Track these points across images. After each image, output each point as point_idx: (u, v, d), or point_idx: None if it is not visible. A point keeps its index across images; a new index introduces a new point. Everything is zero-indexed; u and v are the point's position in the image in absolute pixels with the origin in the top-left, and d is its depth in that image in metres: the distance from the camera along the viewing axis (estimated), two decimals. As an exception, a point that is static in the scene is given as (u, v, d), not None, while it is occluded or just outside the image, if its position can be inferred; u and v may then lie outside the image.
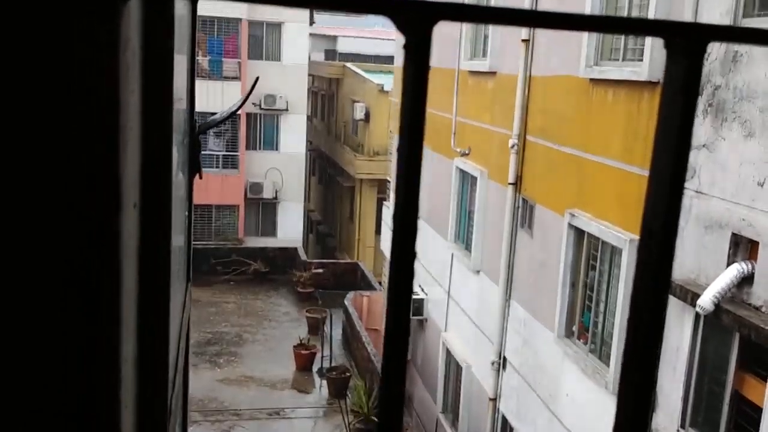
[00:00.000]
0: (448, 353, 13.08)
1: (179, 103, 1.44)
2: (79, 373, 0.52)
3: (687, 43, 0.51)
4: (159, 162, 0.72)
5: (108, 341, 0.52)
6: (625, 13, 7.96)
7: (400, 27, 0.44)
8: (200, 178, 1.69)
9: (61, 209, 0.47)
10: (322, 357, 17.50)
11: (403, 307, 0.49)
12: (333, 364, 17.20)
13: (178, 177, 1.36)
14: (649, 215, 0.55)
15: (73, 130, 0.47)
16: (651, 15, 7.22)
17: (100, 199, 0.48)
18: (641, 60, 7.46)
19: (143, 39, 0.65)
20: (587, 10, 8.38)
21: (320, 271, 22.98)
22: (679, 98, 0.52)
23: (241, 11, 25.20)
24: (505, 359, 10.79)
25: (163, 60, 0.72)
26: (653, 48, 7.13)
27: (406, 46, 0.44)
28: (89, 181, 0.47)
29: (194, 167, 1.60)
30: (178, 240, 1.46)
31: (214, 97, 24.44)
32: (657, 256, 0.51)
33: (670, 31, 0.51)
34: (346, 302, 19.36)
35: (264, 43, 26.26)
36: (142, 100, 0.66)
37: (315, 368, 17.57)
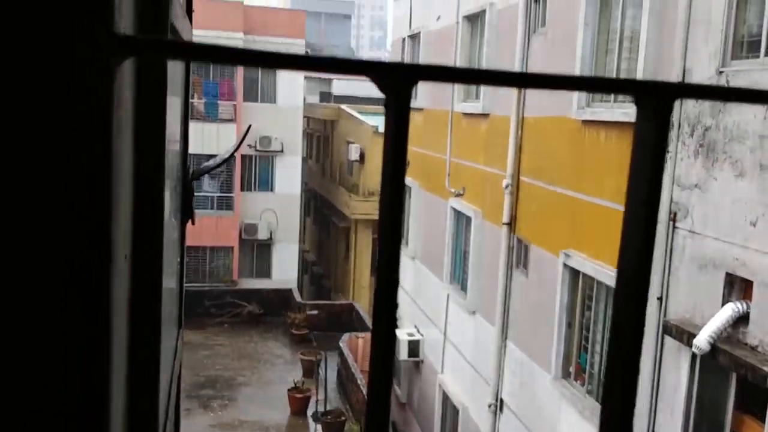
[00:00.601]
0: (445, 395, 12.94)
1: (172, 149, 1.46)
2: (68, 425, 0.53)
3: (656, 100, 0.53)
4: (150, 216, 0.74)
5: (97, 395, 0.53)
6: (615, 53, 8.10)
7: (381, 87, 0.46)
8: (193, 224, 1.71)
9: (53, 263, 0.48)
10: (317, 400, 17.27)
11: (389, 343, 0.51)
12: (328, 408, 16.97)
13: (171, 222, 1.38)
14: (623, 266, 0.56)
15: (65, 185, 0.49)
16: (641, 61, 7.34)
17: (90, 251, 0.49)
18: (632, 102, 7.57)
19: (136, 97, 0.68)
20: (578, 52, 8.53)
21: (315, 312, 22.83)
22: (648, 154, 0.54)
23: (237, 55, 25.50)
24: (502, 401, 10.68)
25: (155, 116, 0.74)
26: (643, 90, 7.23)
27: (386, 105, 0.46)
28: (81, 236, 0.48)
29: (187, 213, 1.61)
30: (169, 286, 1.47)
31: (210, 140, 24.59)
32: (632, 309, 0.52)
33: (639, 89, 0.53)
34: (341, 344, 19.20)
35: (259, 85, 26.54)
36: (135, 154, 0.67)
37: (310, 412, 17.33)
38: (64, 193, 0.46)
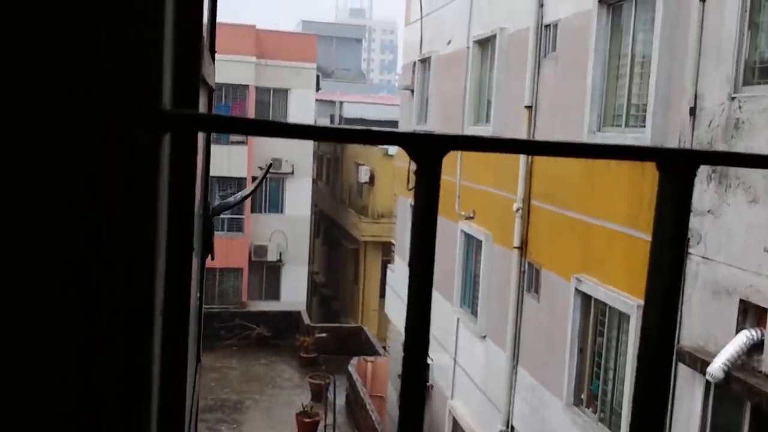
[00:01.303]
0: (455, 422, 12.82)
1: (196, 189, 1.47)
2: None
3: (679, 168, 0.53)
4: (180, 272, 0.75)
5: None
6: (626, 78, 8.10)
7: (413, 156, 0.47)
8: (212, 259, 1.72)
9: (92, 314, 0.49)
10: (326, 425, 17.15)
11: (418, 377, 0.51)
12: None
13: (195, 264, 1.39)
14: (647, 328, 0.56)
15: (109, 245, 0.50)
16: (652, 86, 7.35)
17: (133, 307, 0.49)
18: (644, 126, 7.57)
19: (171, 161, 0.69)
20: (588, 77, 8.54)
21: (324, 335, 22.75)
22: (671, 218, 0.54)
23: (249, 78, 25.76)
24: (512, 428, 10.57)
25: (186, 184, 0.75)
26: (655, 114, 7.24)
27: (417, 172, 0.47)
28: (128, 287, 0.49)
29: (207, 249, 1.62)
30: (192, 323, 1.47)
31: (221, 162, 24.73)
32: (656, 371, 0.52)
33: (662, 156, 0.53)
34: (350, 368, 19.09)
35: (271, 108, 26.74)
36: (169, 218, 0.69)
37: (319, 436, 17.20)
38: (107, 248, 0.47)
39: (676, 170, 0.54)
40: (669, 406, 6.78)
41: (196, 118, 0.44)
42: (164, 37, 0.52)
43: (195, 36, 0.77)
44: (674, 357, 6.72)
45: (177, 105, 0.72)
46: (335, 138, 0.44)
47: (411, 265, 0.47)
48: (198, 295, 1.68)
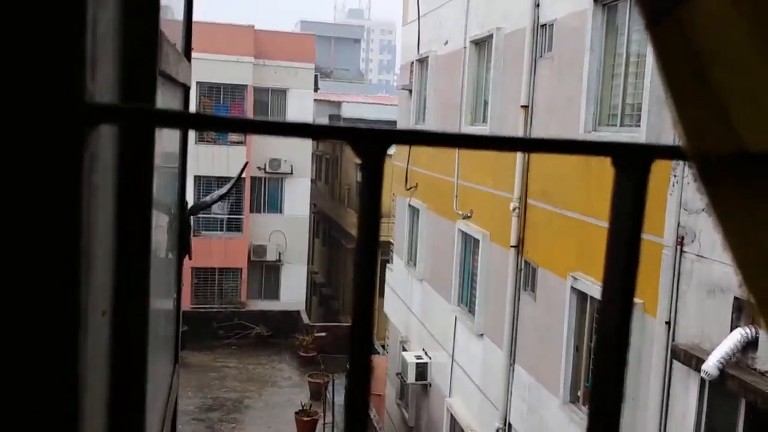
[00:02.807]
0: (453, 419, 12.83)
1: (170, 185, 1.48)
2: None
3: (634, 162, 0.54)
4: (135, 271, 0.74)
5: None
6: (621, 77, 8.11)
7: (356, 151, 0.47)
8: (190, 258, 1.72)
9: (19, 328, 0.48)
10: (324, 424, 17.16)
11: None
12: (335, 431, 16.86)
13: (168, 258, 1.39)
14: (602, 328, 0.57)
15: (27, 248, 0.49)
16: (647, 84, 7.35)
17: (58, 311, 0.49)
18: (639, 125, 7.58)
19: (121, 156, 0.69)
20: (584, 76, 8.55)
21: (323, 334, 22.77)
22: (627, 214, 0.54)
23: (247, 78, 25.75)
24: (510, 425, 10.58)
25: (143, 174, 0.75)
26: (650, 113, 7.25)
27: (361, 167, 0.48)
28: (48, 288, 0.48)
29: (183, 249, 1.62)
30: (163, 326, 1.47)
31: (220, 162, 24.73)
32: (611, 369, 0.53)
33: (617, 150, 0.54)
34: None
35: (269, 108, 26.73)
36: (117, 214, 0.68)
37: (317, 435, 17.21)
38: (30, 251, 0.47)
39: (632, 165, 0.54)
40: (648, 389, 6.79)
41: (120, 111, 0.44)
42: (98, 29, 0.51)
43: (150, 30, 0.77)
44: (628, 353, 6.73)
45: (131, 100, 0.72)
46: (273, 131, 0.44)
47: (355, 263, 0.48)
48: (175, 295, 1.68)
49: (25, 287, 0.48)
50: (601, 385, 0.57)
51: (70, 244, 0.47)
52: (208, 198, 3.06)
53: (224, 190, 2.97)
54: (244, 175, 25.38)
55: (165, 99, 1.21)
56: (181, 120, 0.43)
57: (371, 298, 0.48)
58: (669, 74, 0.48)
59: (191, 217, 1.76)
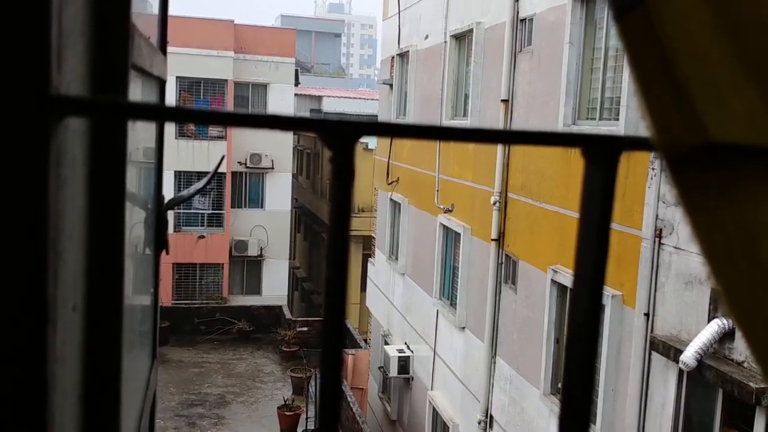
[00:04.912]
0: (435, 412, 12.89)
1: (146, 179, 1.46)
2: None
3: (603, 152, 0.54)
4: (108, 266, 0.74)
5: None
6: (600, 71, 8.16)
7: (326, 143, 0.47)
8: (167, 253, 1.71)
9: None
10: (307, 418, 17.17)
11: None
12: (318, 426, 16.85)
13: (142, 257, 1.38)
14: (573, 319, 0.57)
15: None
16: (625, 79, 7.41)
17: (26, 317, 0.48)
18: (617, 119, 7.64)
19: (91, 148, 0.68)
20: (563, 70, 8.60)
21: (305, 329, 22.75)
22: (596, 204, 0.55)
23: (227, 73, 25.59)
24: (491, 417, 10.65)
25: (114, 167, 0.75)
26: (628, 107, 7.31)
27: (331, 160, 0.48)
28: (14, 296, 0.47)
29: (160, 244, 1.62)
30: (143, 318, 1.46)
31: (201, 157, 24.59)
32: (581, 357, 0.53)
33: (586, 142, 0.54)
34: (331, 361, 19.04)
35: (250, 103, 26.59)
36: (89, 208, 0.68)
37: (300, 430, 17.22)
38: None
39: (601, 156, 0.55)
40: (627, 379, 6.87)
41: (87, 104, 0.44)
42: (65, 20, 0.51)
43: (121, 22, 0.76)
44: (598, 338, 6.81)
45: (102, 93, 0.71)
46: (242, 123, 0.44)
47: (327, 257, 0.48)
48: (152, 290, 1.67)
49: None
50: (572, 370, 0.57)
51: (37, 236, 0.47)
52: (185, 192, 3.05)
53: (201, 184, 2.95)
54: (224, 170, 25.26)
55: (139, 93, 1.20)
56: (149, 112, 0.42)
57: (343, 289, 0.49)
58: (636, 65, 0.49)
59: (168, 211, 1.76)
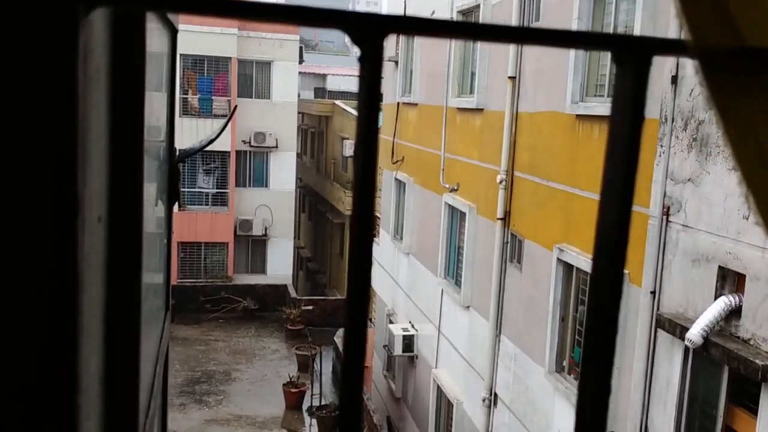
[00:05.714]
0: (439, 390, 12.96)
1: (157, 132, 1.45)
2: (35, 382, 0.52)
3: (634, 55, 0.52)
4: (129, 176, 0.73)
5: (67, 353, 0.51)
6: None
7: (354, 39, 0.45)
8: (180, 206, 1.70)
9: (15, 222, 0.46)
10: (312, 395, 17.29)
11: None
12: (323, 403, 16.99)
13: (158, 205, 1.36)
14: (600, 232, 0.55)
15: (22, 142, 0.47)
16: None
17: (56, 212, 0.47)
18: (625, 96, 7.57)
19: (112, 55, 0.66)
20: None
21: (310, 308, 22.85)
22: (628, 110, 0.53)
23: (231, 50, 25.46)
24: (496, 395, 10.70)
25: (134, 77, 0.73)
26: (637, 84, 7.24)
27: (360, 59, 0.46)
28: (44, 193, 0.47)
29: (173, 196, 1.60)
30: (154, 264, 1.45)
31: (205, 135, 24.54)
32: (608, 273, 0.52)
33: (617, 44, 0.52)
34: (336, 339, 19.18)
35: (254, 81, 26.48)
36: (110, 110, 0.66)
37: (305, 407, 17.34)
38: (21, 145, 0.45)
39: (632, 58, 0.53)
40: (648, 372, 6.88)
41: None
42: None
43: None
44: (620, 303, 6.81)
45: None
46: (262, 16, 0.42)
47: (354, 155, 0.46)
48: (165, 240, 1.66)
49: (20, 172, 0.46)
50: (593, 334, 0.56)
51: (66, 134, 0.46)
52: (196, 144, 3.04)
53: (213, 135, 2.94)
54: (228, 149, 25.23)
55: (154, 42, 1.18)
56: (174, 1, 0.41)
57: (371, 215, 0.46)
58: None
59: (180, 164, 1.75)
